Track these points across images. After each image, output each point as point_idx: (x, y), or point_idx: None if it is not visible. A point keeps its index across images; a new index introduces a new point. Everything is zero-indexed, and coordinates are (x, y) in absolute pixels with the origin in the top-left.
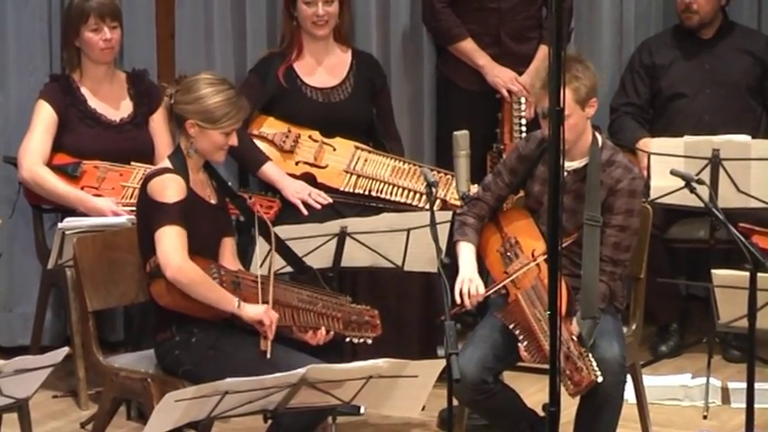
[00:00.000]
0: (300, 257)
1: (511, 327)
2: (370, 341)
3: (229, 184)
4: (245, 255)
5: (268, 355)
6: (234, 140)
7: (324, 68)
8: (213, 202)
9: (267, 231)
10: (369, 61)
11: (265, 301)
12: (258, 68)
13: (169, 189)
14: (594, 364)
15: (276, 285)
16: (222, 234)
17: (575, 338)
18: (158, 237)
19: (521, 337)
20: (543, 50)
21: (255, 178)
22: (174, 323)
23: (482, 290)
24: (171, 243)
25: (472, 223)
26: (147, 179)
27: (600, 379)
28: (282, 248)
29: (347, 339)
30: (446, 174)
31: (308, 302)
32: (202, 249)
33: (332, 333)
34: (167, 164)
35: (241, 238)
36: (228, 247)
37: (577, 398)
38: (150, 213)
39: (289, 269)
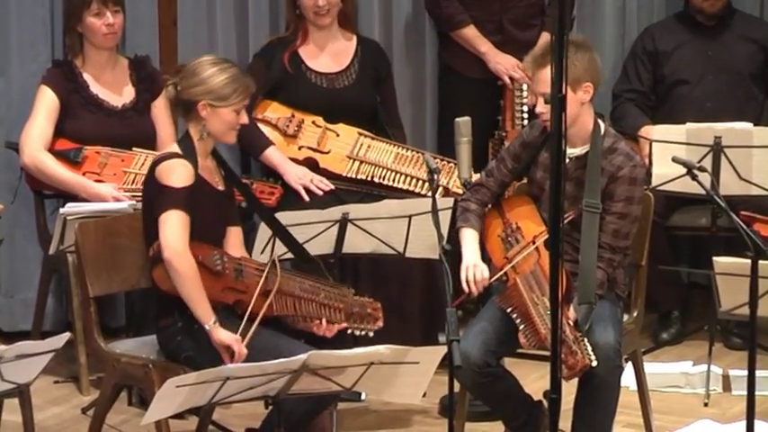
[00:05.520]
0: (303, 246)
1: (508, 311)
2: (371, 334)
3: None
4: (246, 241)
5: None
6: (244, 119)
7: (329, 54)
8: (221, 188)
9: (272, 220)
10: (374, 48)
11: (268, 290)
12: (263, 53)
13: (176, 173)
14: (590, 348)
15: (279, 274)
16: (228, 222)
17: (571, 323)
18: (162, 220)
19: (518, 321)
20: (545, 37)
21: (258, 163)
22: (176, 309)
23: (487, 274)
24: (173, 227)
25: (475, 209)
26: (156, 163)
27: (594, 363)
28: (285, 237)
29: (348, 331)
30: (448, 162)
31: (310, 292)
32: (207, 235)
33: (338, 326)
34: (176, 149)
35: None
36: (235, 236)
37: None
38: (156, 197)
39: (290, 255)
